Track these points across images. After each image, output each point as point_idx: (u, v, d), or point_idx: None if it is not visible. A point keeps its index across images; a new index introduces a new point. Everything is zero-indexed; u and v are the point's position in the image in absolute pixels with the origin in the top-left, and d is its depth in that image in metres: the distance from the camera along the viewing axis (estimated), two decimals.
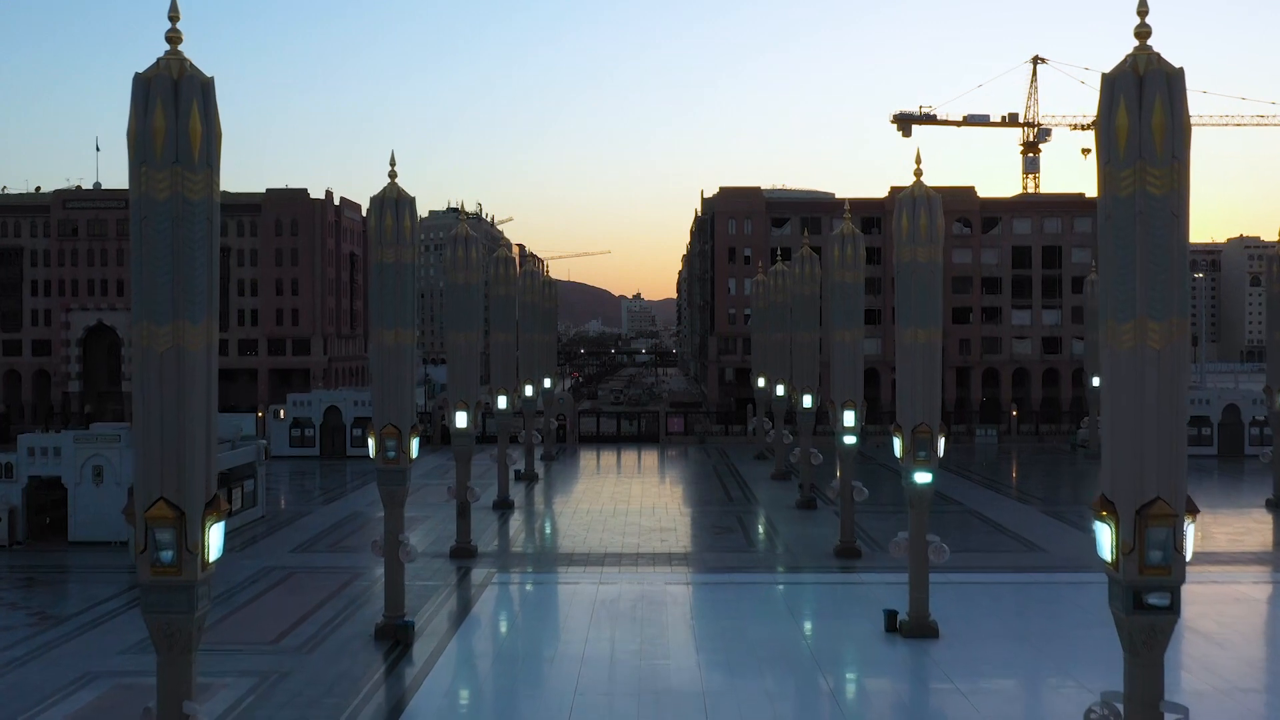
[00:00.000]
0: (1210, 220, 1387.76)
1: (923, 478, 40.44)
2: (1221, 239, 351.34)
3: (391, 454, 40.52)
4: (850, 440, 55.57)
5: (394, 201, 40.82)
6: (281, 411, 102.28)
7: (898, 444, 40.95)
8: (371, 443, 40.79)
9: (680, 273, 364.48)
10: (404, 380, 40.59)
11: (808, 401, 70.10)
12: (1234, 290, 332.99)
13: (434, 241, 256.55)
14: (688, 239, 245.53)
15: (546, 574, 52.29)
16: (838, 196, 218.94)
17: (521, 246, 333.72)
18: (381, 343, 40.52)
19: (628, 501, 73.49)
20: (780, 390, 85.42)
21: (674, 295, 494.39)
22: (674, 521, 65.73)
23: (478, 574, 52.15)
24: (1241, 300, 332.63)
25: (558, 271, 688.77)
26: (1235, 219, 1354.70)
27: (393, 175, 41.45)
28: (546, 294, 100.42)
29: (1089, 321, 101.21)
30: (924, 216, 40.78)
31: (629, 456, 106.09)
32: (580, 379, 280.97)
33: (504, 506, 70.31)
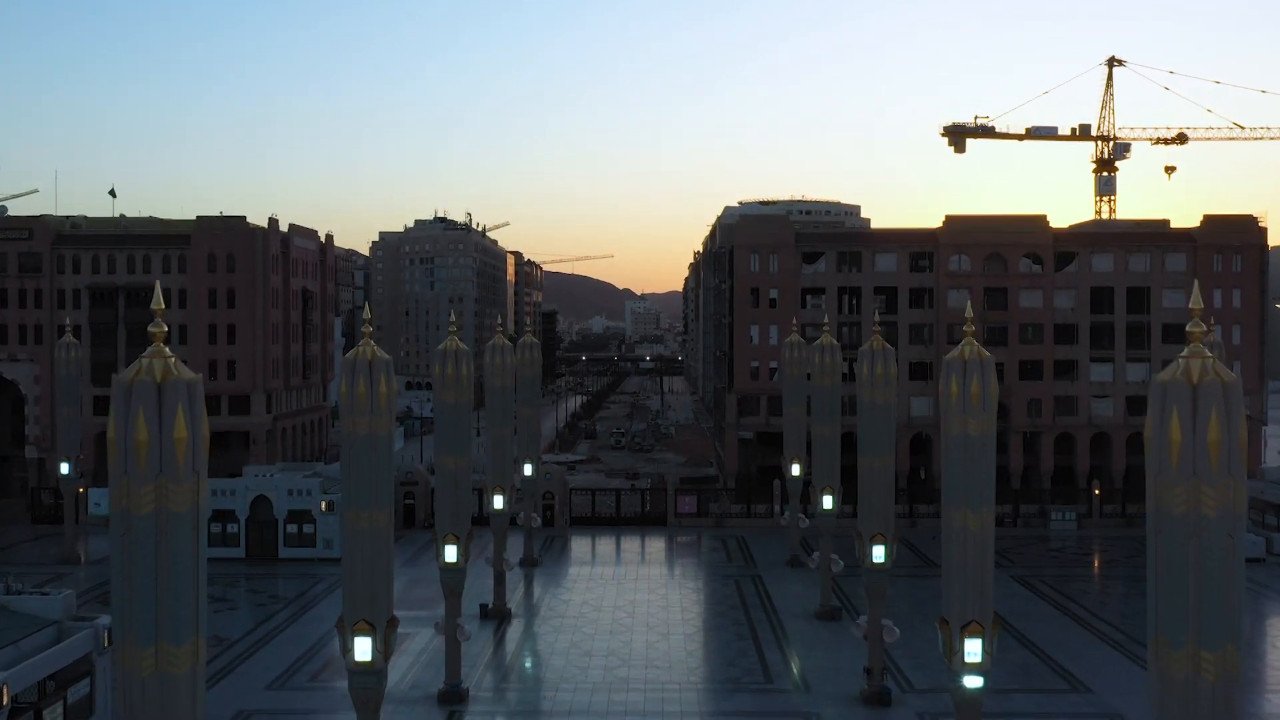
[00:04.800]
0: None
1: None
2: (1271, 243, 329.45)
3: None
4: (974, 684, 35.44)
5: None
6: None
7: None
8: None
9: (687, 280, 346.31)
10: None
11: (879, 554, 50.08)
12: None
13: (420, 254, 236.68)
14: (693, 237, 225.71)
15: None
16: (868, 214, 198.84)
17: (518, 254, 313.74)
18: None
19: (625, 680, 53.55)
20: (828, 503, 65.28)
21: (679, 289, 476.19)
22: None
23: None
24: None
25: (559, 271, 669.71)
26: None
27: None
28: (529, 359, 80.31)
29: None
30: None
31: (630, 548, 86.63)
32: (589, 397, 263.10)
33: (453, 700, 50.28)
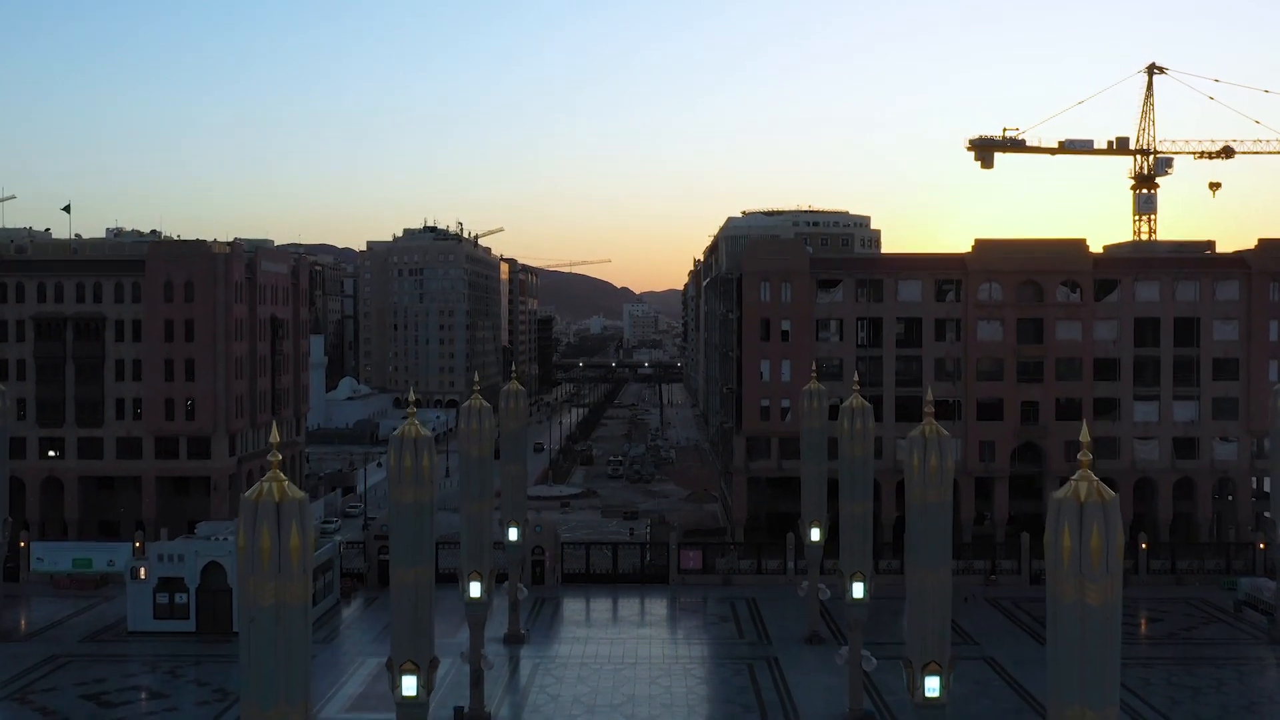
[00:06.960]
0: None
1: None
2: None
3: None
4: None
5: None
6: (143, 570, 73.27)
7: None
8: None
9: (686, 285, 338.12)
10: None
11: (934, 688, 41.02)
12: None
13: (409, 265, 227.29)
14: (693, 237, 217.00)
15: None
16: (878, 225, 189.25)
17: (513, 261, 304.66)
18: None
19: None
20: (859, 590, 56.33)
21: (678, 288, 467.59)
22: None
23: None
24: None
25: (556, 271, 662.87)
26: None
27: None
28: (514, 409, 71.20)
29: (1276, 445, 71.92)
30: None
31: (629, 613, 77.81)
32: (586, 410, 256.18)
33: None
